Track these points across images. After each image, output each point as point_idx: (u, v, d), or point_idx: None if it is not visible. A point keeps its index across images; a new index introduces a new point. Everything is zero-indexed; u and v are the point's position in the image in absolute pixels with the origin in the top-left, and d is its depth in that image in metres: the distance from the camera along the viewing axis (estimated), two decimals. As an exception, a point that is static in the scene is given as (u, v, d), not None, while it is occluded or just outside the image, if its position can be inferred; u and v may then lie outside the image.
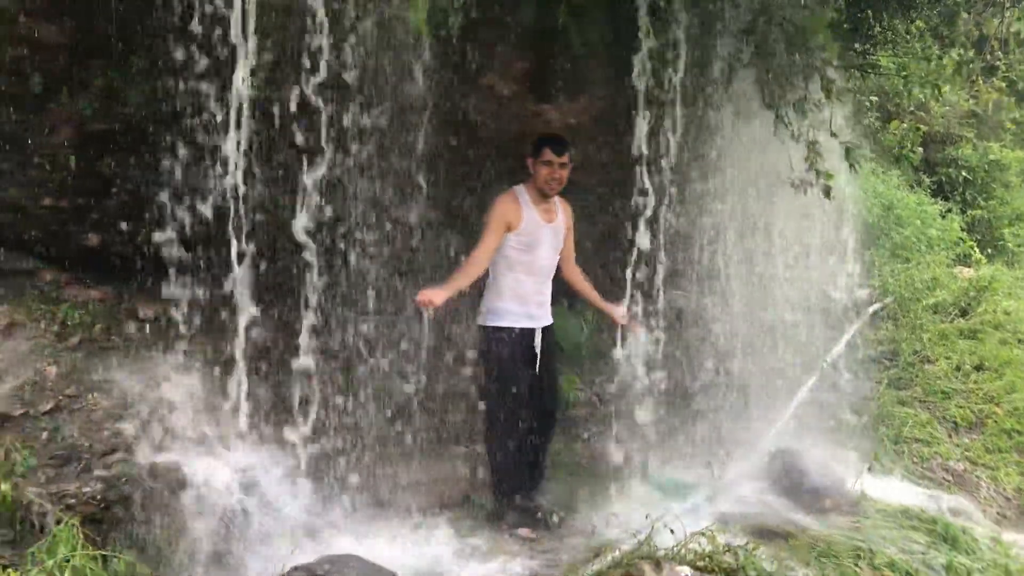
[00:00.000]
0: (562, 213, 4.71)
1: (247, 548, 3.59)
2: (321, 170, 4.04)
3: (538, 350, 4.57)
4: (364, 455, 4.41)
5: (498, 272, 4.52)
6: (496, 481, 4.58)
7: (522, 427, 4.48)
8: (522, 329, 4.52)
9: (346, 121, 4.18)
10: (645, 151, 4.92)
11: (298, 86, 3.94)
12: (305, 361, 4.12)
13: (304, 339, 4.11)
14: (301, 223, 4.03)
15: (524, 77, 5.11)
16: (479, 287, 4.67)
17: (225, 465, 3.75)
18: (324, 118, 4.03)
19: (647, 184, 4.98)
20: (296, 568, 3.34)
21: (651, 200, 5.04)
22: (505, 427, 4.45)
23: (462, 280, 4.34)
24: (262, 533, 3.67)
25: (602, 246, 5.61)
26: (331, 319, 4.42)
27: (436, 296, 4.13)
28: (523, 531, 4.42)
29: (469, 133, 4.95)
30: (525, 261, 4.52)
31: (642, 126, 4.85)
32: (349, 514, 4.23)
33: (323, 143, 4.05)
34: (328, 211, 4.24)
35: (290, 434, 4.08)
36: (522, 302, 4.52)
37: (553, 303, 5.18)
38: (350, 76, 4.11)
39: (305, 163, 4.06)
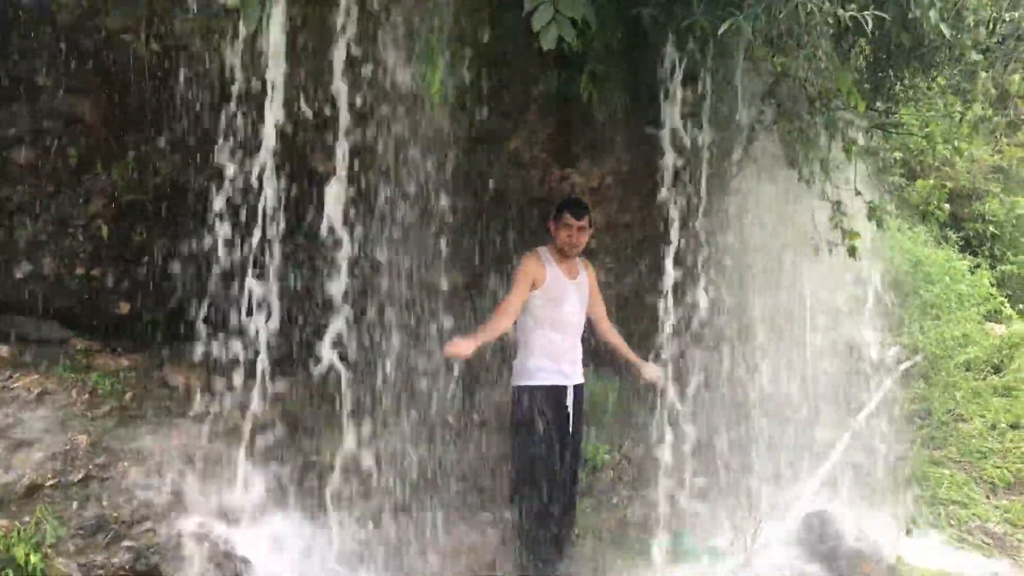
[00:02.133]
0: (584, 271, 4.75)
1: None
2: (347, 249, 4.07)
3: (570, 408, 4.53)
4: (391, 523, 4.37)
5: (527, 330, 4.53)
6: (524, 547, 4.48)
7: (552, 490, 4.41)
8: (554, 386, 4.49)
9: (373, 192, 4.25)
10: (674, 215, 4.92)
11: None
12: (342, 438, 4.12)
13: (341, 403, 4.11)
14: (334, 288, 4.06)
15: (548, 142, 5.18)
16: (504, 349, 4.67)
17: (254, 533, 3.73)
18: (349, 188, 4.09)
19: (674, 246, 4.97)
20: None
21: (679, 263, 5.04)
22: (536, 490, 4.39)
23: (490, 332, 4.32)
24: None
25: (627, 308, 5.60)
26: (359, 382, 4.42)
27: (464, 347, 4.12)
28: None
29: (494, 197, 5.00)
30: (552, 317, 4.53)
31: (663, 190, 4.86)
32: (377, 581, 4.19)
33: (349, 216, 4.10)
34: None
35: (319, 503, 4.05)
36: (554, 359, 4.50)
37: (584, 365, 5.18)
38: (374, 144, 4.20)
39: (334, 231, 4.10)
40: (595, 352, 5.09)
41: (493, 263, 4.96)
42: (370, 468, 4.42)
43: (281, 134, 3.74)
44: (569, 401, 4.54)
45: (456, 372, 4.76)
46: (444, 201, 4.56)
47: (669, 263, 4.88)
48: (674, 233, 4.98)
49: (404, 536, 4.39)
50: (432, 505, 4.60)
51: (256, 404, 3.93)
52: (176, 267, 4.16)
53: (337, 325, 4.01)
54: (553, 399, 4.48)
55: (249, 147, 3.78)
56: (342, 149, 3.93)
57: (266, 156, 3.72)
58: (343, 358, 4.13)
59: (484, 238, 4.91)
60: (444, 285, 4.85)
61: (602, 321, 4.89)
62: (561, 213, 4.57)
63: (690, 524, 5.29)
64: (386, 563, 4.24)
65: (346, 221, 3.99)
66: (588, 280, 4.77)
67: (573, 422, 4.57)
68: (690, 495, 5.26)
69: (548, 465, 4.41)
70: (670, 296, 4.99)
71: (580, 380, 4.68)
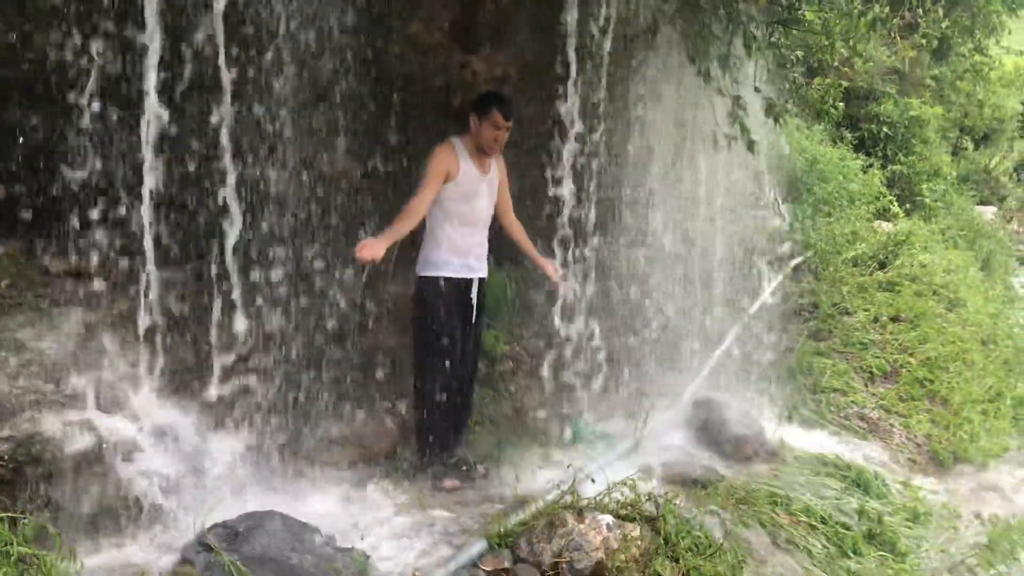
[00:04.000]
0: (495, 165, 4.70)
1: (164, 507, 3.53)
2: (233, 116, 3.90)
3: (474, 301, 4.57)
4: (287, 411, 4.36)
5: (435, 223, 4.49)
6: (422, 434, 4.56)
7: (452, 379, 4.50)
8: (459, 279, 4.51)
9: (263, 68, 4.05)
10: (573, 104, 4.88)
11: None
12: (225, 318, 4.04)
13: (222, 295, 4.01)
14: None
15: (450, 27, 5.03)
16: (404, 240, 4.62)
17: (141, 424, 3.66)
18: (239, 63, 3.89)
19: (573, 139, 4.96)
20: (215, 526, 3.30)
21: (578, 154, 5.04)
22: (436, 378, 4.46)
23: (401, 229, 4.25)
24: (180, 492, 3.60)
25: (530, 200, 5.58)
26: (251, 273, 4.32)
27: (377, 248, 4.05)
28: (448, 483, 4.45)
29: (392, 82, 4.85)
30: (462, 211, 4.50)
31: (569, 77, 4.80)
32: (273, 471, 4.19)
33: (235, 88, 3.91)
34: (246, 162, 4.13)
35: (209, 392, 4.00)
36: (461, 253, 4.51)
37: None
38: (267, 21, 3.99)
39: (223, 110, 3.91)
40: (495, 244, 5.08)
41: (391, 151, 4.84)
42: (264, 361, 4.38)
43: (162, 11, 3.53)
44: (474, 294, 4.57)
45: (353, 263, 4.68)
46: (338, 85, 4.40)
47: (568, 156, 4.87)
48: (575, 126, 4.96)
49: (299, 427, 4.38)
50: (328, 395, 4.59)
51: (144, 295, 3.83)
52: (56, 150, 3.92)
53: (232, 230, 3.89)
54: (457, 291, 4.51)
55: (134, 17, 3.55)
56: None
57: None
58: (235, 250, 4.03)
59: (381, 125, 4.78)
60: (343, 172, 4.73)
61: (507, 215, 4.88)
62: (489, 110, 4.45)
63: (585, 412, 5.44)
64: (281, 453, 4.24)
65: (233, 101, 3.83)
66: (499, 175, 4.73)
67: (476, 314, 4.60)
68: (585, 384, 5.40)
69: (449, 354, 4.46)
70: (569, 190, 5.01)
71: (484, 273, 4.70)
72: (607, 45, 4.95)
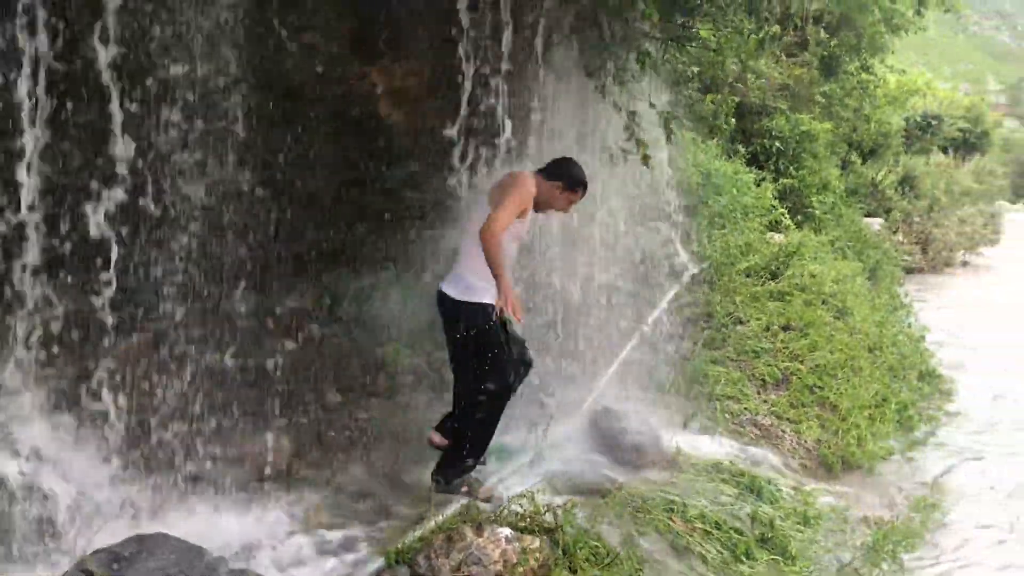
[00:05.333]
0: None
1: (43, 533, 3.38)
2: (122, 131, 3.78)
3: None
4: (178, 429, 4.23)
5: (477, 253, 4.29)
6: (470, 448, 4.55)
7: (507, 394, 4.54)
8: (492, 304, 4.36)
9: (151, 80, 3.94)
10: (469, 116, 4.90)
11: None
12: (110, 334, 3.90)
13: (108, 311, 3.88)
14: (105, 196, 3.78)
15: (347, 37, 4.98)
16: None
17: (18, 446, 3.50)
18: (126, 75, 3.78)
19: (472, 151, 4.99)
20: (97, 551, 3.17)
21: (479, 167, 5.06)
22: (494, 395, 4.46)
23: (503, 262, 4.22)
24: (59, 516, 3.46)
25: (430, 215, 5.58)
26: (140, 289, 4.19)
27: (512, 296, 4.16)
28: (483, 491, 4.53)
29: (288, 93, 4.78)
30: (507, 247, 4.40)
31: (465, 91, 4.82)
32: (162, 492, 4.06)
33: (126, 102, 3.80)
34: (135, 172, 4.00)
35: (95, 411, 3.85)
36: (490, 281, 4.30)
37: (378, 270, 5.14)
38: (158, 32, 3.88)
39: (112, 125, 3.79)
40: (392, 256, 5.06)
41: (287, 162, 4.77)
42: (155, 374, 4.25)
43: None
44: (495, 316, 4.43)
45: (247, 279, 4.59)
46: (232, 95, 4.31)
47: (464, 169, 4.90)
48: (474, 138, 4.99)
49: (190, 442, 4.26)
50: (222, 412, 4.48)
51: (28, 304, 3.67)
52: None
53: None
54: (493, 315, 4.37)
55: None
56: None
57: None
58: (122, 264, 3.90)
59: (276, 136, 4.70)
60: (236, 185, 4.62)
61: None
62: (578, 188, 4.64)
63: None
64: (171, 473, 4.11)
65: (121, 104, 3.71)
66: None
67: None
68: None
69: (507, 371, 4.47)
70: (467, 205, 5.02)
71: None
72: (505, 59, 4.98)
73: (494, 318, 4.32)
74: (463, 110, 4.92)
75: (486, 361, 4.41)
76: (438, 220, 5.44)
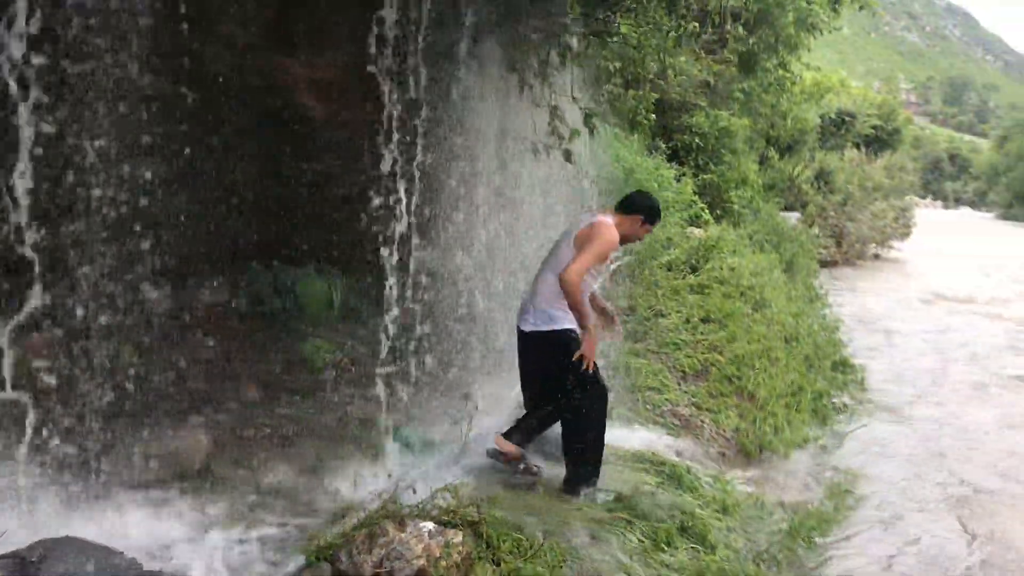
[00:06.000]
0: None
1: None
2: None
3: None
4: (91, 427, 4.11)
5: (557, 288, 4.68)
6: (591, 456, 4.87)
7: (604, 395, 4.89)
8: (574, 328, 4.79)
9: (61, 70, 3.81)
10: (392, 110, 4.86)
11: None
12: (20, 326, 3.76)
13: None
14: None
15: (266, 27, 4.90)
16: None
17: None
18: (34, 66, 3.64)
19: (395, 144, 4.94)
20: (3, 557, 3.06)
21: (401, 159, 5.02)
22: (598, 399, 4.81)
23: (588, 310, 4.71)
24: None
25: (354, 205, 5.51)
26: (50, 282, 4.05)
27: (592, 344, 4.65)
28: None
29: (203, 83, 4.67)
30: (587, 283, 4.79)
31: (387, 85, 4.78)
32: (74, 492, 3.93)
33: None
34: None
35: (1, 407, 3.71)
36: (567, 310, 4.75)
37: (299, 264, 5.08)
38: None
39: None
40: (313, 250, 5.00)
41: (205, 153, 4.66)
42: (72, 372, 4.12)
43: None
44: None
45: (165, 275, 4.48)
46: (146, 86, 4.19)
47: (390, 161, 4.85)
48: (394, 132, 4.94)
49: (103, 440, 4.14)
50: (138, 409, 4.37)
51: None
52: None
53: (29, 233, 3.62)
54: (574, 337, 4.77)
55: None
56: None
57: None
58: (37, 248, 3.77)
59: (194, 126, 4.59)
60: (148, 176, 4.50)
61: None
62: (656, 220, 4.98)
63: (409, 419, 5.42)
64: (82, 469, 3.99)
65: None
66: None
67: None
68: (410, 391, 5.38)
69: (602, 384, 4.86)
70: (392, 195, 4.99)
71: None
72: (427, 52, 4.95)
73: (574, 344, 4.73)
74: (386, 104, 4.87)
75: (582, 377, 4.72)
76: (361, 214, 5.38)
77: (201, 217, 4.80)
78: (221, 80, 4.79)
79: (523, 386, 5.15)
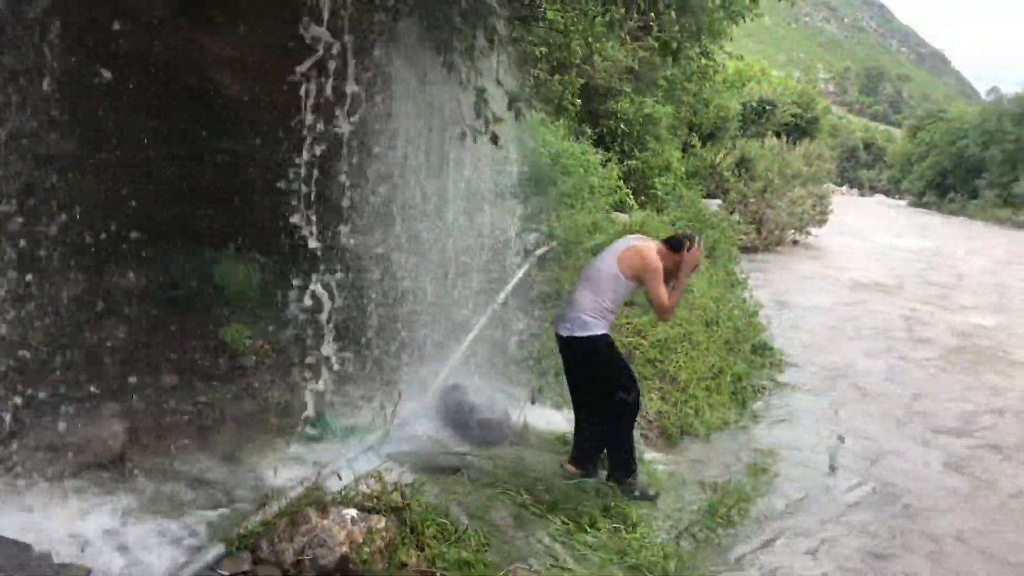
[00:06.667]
0: None
1: None
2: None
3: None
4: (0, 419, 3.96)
5: (606, 297, 5.17)
6: (628, 454, 5.31)
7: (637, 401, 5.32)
8: (607, 333, 5.25)
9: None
10: (313, 91, 4.77)
11: None
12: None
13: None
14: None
15: (177, 2, 4.74)
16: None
17: None
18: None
19: (317, 126, 4.85)
20: (-99, 553, 2.93)
21: (322, 141, 4.93)
22: (629, 405, 5.22)
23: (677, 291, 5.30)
24: None
25: (271, 189, 5.39)
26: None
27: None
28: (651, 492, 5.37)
29: (114, 58, 4.50)
30: (623, 299, 5.36)
31: (308, 65, 4.68)
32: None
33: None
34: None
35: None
36: (601, 317, 5.19)
37: (217, 247, 4.97)
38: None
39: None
40: (232, 232, 4.88)
41: (112, 132, 4.50)
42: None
43: None
44: None
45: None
46: (51, 62, 4.02)
47: (308, 142, 4.77)
48: (318, 112, 4.85)
49: (15, 431, 3.99)
50: (48, 399, 4.21)
51: None
52: None
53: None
54: (608, 342, 5.25)
55: None
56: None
57: None
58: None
59: (101, 105, 4.43)
60: (59, 157, 4.33)
61: None
62: (680, 249, 5.32)
63: (333, 405, 5.35)
64: (1, 461, 3.84)
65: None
66: None
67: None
68: (333, 377, 5.31)
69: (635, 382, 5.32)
70: (312, 180, 4.90)
71: None
72: (349, 32, 4.86)
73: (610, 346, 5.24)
74: (307, 83, 4.77)
75: (615, 379, 5.18)
76: (281, 195, 5.27)
77: (114, 198, 4.63)
78: (131, 56, 4.62)
79: (570, 390, 5.50)
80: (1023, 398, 9.14)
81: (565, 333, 5.21)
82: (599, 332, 5.15)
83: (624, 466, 5.29)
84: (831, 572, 4.80)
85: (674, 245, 5.38)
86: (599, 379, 5.21)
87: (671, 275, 5.33)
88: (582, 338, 5.15)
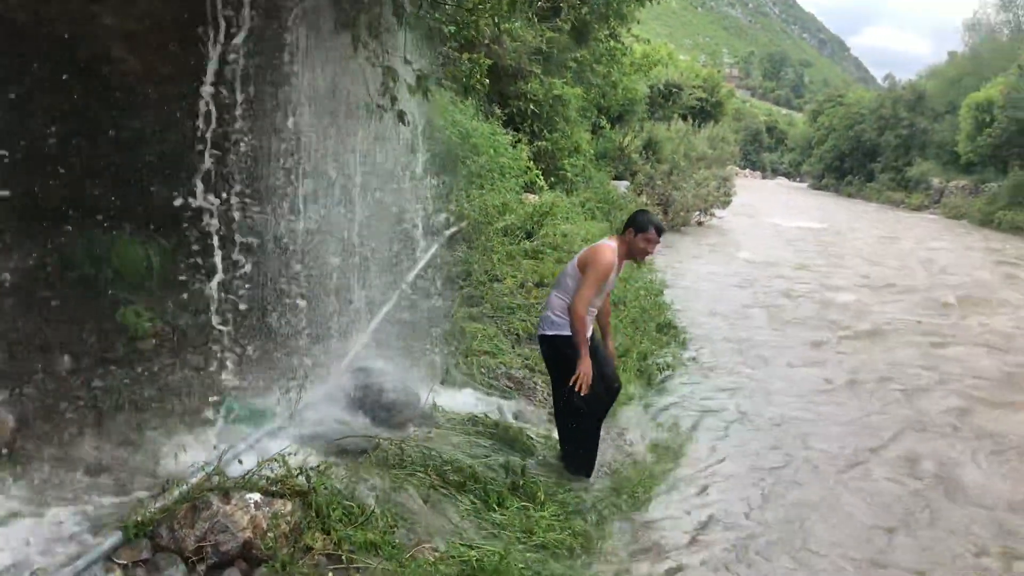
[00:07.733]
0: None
1: None
2: None
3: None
4: None
5: (558, 297, 5.32)
6: (588, 456, 5.52)
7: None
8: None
9: None
10: (213, 66, 4.63)
11: None
12: None
13: None
14: None
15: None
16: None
17: None
18: None
19: (215, 101, 4.71)
20: None
21: (224, 118, 4.80)
22: (583, 414, 5.36)
23: (584, 330, 5.24)
24: None
25: (169, 167, 5.23)
26: None
27: (587, 364, 5.13)
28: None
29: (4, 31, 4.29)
30: (595, 301, 5.34)
31: (210, 39, 4.54)
32: None
33: None
34: None
35: None
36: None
37: (113, 227, 4.81)
38: None
39: None
40: (129, 213, 4.72)
41: (4, 109, 4.29)
42: None
43: None
44: None
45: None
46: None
47: (204, 120, 4.63)
48: (219, 89, 4.72)
49: None
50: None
51: None
52: None
53: None
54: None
55: None
56: None
57: None
58: None
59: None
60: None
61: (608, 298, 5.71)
62: (647, 228, 5.32)
63: (237, 389, 5.24)
64: None
65: None
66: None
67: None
68: (236, 359, 5.19)
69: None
70: (214, 155, 4.76)
71: None
72: (251, 6, 4.73)
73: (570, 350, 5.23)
74: (208, 59, 4.63)
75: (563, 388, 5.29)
76: (180, 174, 5.11)
77: (2, 176, 4.42)
78: (20, 27, 4.41)
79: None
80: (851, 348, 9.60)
81: (539, 331, 5.49)
82: (564, 333, 5.27)
83: (574, 462, 5.50)
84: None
85: (621, 228, 5.49)
86: (562, 377, 5.30)
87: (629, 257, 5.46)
88: (548, 336, 5.38)
